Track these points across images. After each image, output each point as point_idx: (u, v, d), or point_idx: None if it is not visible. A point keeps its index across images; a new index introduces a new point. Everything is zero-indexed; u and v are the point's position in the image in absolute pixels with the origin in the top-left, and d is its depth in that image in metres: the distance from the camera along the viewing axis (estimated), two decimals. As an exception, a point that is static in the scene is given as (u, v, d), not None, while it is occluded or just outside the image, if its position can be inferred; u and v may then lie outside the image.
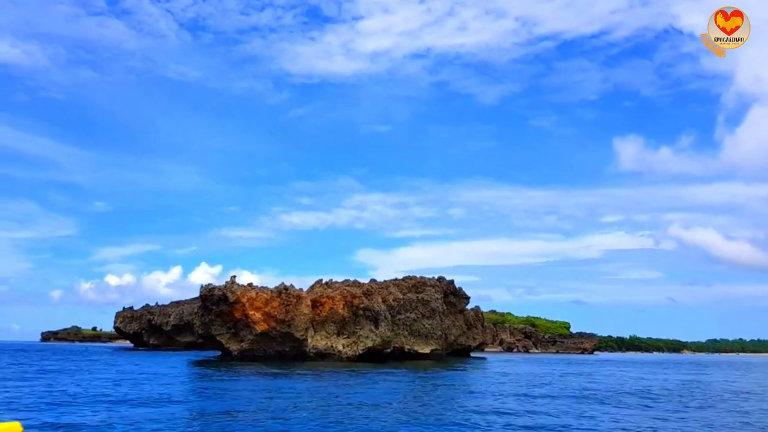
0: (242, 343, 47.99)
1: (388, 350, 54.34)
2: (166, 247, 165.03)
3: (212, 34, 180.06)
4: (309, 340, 50.46)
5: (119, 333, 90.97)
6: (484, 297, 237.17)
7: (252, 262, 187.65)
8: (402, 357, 56.06)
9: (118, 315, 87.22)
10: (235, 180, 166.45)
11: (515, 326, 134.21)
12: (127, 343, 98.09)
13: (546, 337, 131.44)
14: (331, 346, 51.66)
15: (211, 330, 47.81)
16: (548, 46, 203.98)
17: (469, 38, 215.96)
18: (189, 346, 74.87)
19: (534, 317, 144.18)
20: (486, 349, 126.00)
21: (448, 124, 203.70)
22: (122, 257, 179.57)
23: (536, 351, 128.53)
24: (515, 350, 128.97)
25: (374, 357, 52.59)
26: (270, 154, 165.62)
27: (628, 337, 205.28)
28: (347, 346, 52.23)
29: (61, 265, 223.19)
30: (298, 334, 48.97)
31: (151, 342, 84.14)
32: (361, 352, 52.00)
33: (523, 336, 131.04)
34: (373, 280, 63.21)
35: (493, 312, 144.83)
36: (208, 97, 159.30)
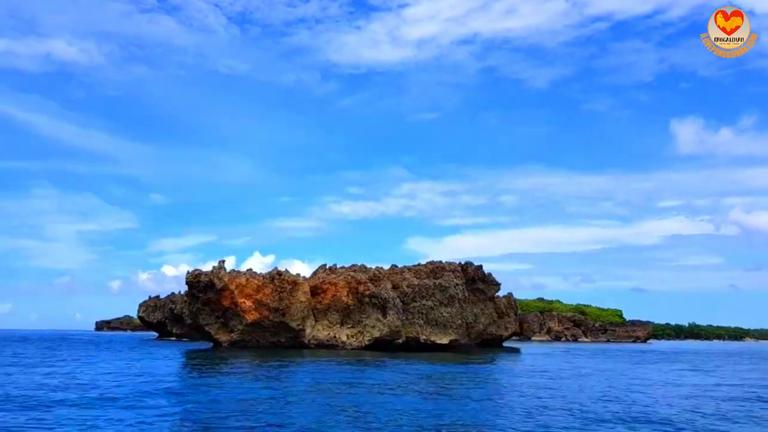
0: (232, 334, 44.12)
1: (400, 340, 49.33)
2: (221, 238, 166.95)
3: (260, 27, 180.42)
4: (308, 330, 46.11)
5: (143, 322, 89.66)
6: (538, 285, 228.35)
7: (303, 251, 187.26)
8: (418, 348, 50.97)
9: (141, 305, 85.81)
10: (286, 171, 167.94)
11: (564, 314, 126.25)
12: (152, 333, 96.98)
13: (596, 325, 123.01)
14: (334, 337, 47.16)
15: (199, 320, 44.14)
16: (601, 27, 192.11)
17: (517, 22, 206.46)
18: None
19: (584, 305, 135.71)
20: (533, 338, 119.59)
21: (498, 110, 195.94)
22: (179, 248, 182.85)
23: (585, 340, 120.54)
24: (563, 339, 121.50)
25: (384, 347, 47.82)
26: (319, 144, 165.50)
27: (687, 325, 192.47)
28: (352, 336, 47.61)
29: (121, 256, 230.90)
30: (294, 324, 44.67)
31: (174, 331, 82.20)
32: (367, 342, 47.30)
33: (572, 324, 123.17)
34: (393, 266, 58.34)
35: (541, 300, 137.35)
36: (257, 89, 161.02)
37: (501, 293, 70.07)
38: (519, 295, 75.12)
